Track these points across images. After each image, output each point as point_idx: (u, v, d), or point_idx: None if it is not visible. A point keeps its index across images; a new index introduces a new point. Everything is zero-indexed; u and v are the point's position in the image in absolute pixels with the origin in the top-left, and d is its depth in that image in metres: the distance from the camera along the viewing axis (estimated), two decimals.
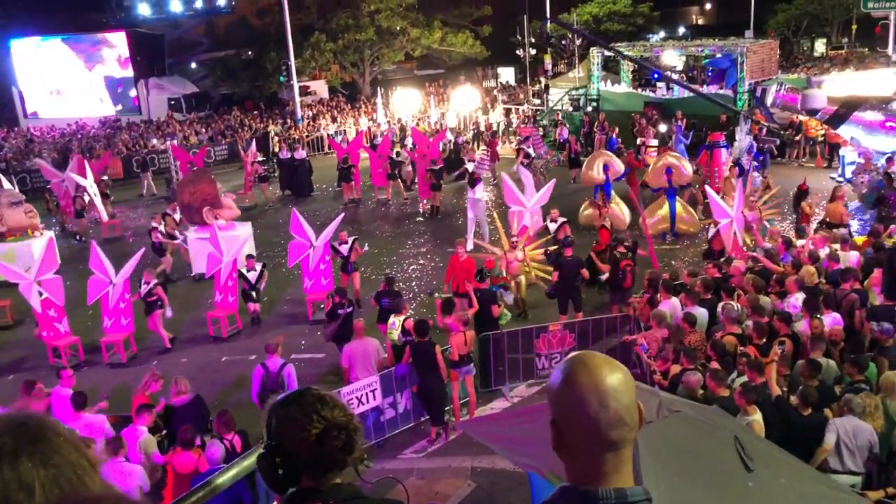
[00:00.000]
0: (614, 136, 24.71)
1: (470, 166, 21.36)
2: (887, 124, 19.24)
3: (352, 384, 10.20)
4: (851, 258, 11.52)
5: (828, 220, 15.25)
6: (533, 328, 11.75)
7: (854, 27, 49.84)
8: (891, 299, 8.97)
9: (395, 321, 11.30)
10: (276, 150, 28.97)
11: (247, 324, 14.68)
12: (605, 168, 17.72)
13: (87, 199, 21.82)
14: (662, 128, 24.84)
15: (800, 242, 12.65)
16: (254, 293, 14.58)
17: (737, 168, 18.96)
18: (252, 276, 14.53)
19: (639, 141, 23.84)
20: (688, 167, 17.99)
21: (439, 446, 10.38)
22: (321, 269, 14.46)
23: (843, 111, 19.36)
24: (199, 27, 49.48)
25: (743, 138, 20.70)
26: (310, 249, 14.36)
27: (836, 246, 12.07)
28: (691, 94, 26.78)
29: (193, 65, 49.26)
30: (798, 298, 10.07)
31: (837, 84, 24.22)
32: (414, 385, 10.66)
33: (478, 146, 29.06)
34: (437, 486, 8.95)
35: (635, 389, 1.78)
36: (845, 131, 19.75)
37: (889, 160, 17.98)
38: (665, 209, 17.38)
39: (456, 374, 10.56)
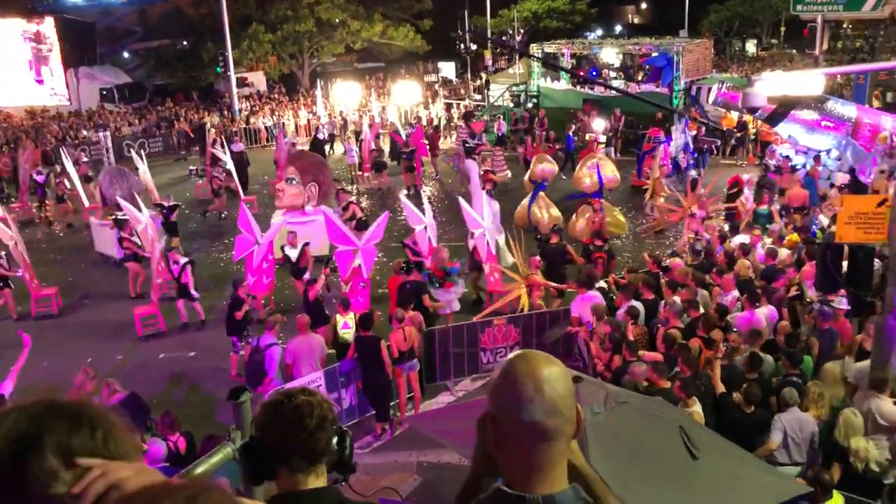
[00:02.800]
0: (570, 133, 24.88)
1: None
2: (823, 123, 19.93)
3: (295, 380, 10.08)
4: (783, 254, 11.92)
5: (794, 205, 15.71)
6: (477, 323, 11.79)
7: (783, 29, 51.52)
8: (823, 292, 9.30)
9: (347, 321, 11.20)
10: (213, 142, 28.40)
11: (188, 322, 14.37)
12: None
13: (68, 184, 21.33)
14: (601, 125, 25.21)
15: (737, 239, 12.99)
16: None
17: (668, 167, 19.41)
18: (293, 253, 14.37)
19: (588, 136, 24.17)
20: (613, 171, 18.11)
21: (385, 441, 10.35)
22: (264, 268, 14.21)
23: (782, 110, 19.96)
24: (132, 15, 48.03)
25: (679, 136, 21.15)
26: (254, 246, 14.10)
27: (769, 241, 12.48)
28: (633, 92, 27.33)
29: (126, 54, 47.85)
30: (734, 294, 10.41)
31: (772, 83, 24.91)
32: (359, 380, 10.60)
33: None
34: (383, 480, 8.92)
35: (572, 386, 1.81)
36: (784, 129, 20.36)
37: (816, 159, 18.65)
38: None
39: (399, 370, 10.55)
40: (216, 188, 21.53)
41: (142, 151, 24.84)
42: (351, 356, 10.52)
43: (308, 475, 2.16)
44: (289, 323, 11.61)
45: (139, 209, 15.46)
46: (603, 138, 24.00)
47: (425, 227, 13.76)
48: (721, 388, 8.06)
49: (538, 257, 13.26)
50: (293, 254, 14.33)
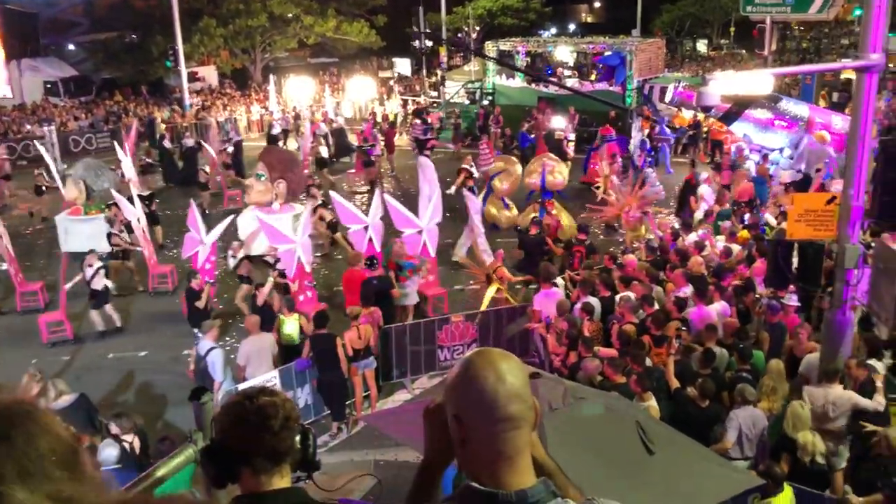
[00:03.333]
0: (524, 130, 24.93)
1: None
2: (776, 122, 20.34)
3: (248, 381, 9.91)
4: (736, 250, 12.13)
5: (742, 199, 16.00)
6: (435, 320, 11.77)
7: (733, 29, 52.56)
8: (774, 288, 9.49)
9: (292, 322, 11.06)
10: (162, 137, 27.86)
11: (136, 317, 14.05)
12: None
13: (46, 177, 20.74)
14: (561, 122, 25.35)
15: (692, 237, 13.17)
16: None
17: (618, 164, 19.62)
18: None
19: (557, 135, 24.33)
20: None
21: (341, 440, 10.26)
22: (206, 269, 13.92)
23: (737, 108, 20.32)
24: (78, 7, 46.79)
25: (636, 135, 21.41)
26: (199, 246, 13.84)
27: (721, 238, 12.70)
28: (586, 90, 27.58)
29: (72, 46, 46.60)
30: (687, 291, 10.55)
31: (725, 83, 25.35)
32: (314, 379, 10.49)
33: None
34: (339, 480, 8.82)
35: (528, 377, 1.85)
36: (738, 128, 20.72)
37: (764, 157, 19.03)
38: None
39: (355, 369, 10.46)
40: (203, 182, 21.43)
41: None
42: (306, 355, 10.40)
43: (272, 476, 2.11)
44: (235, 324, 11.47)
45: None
46: (572, 136, 23.92)
47: (365, 228, 13.50)
48: (675, 384, 8.16)
49: (517, 249, 13.45)
50: (231, 263, 14.17)
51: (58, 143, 26.45)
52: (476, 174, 17.92)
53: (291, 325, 11.03)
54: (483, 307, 12.46)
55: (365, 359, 10.50)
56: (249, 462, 2.08)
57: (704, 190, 16.32)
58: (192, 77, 38.98)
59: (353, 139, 26.81)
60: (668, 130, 21.19)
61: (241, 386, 9.02)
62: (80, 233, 16.84)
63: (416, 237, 13.54)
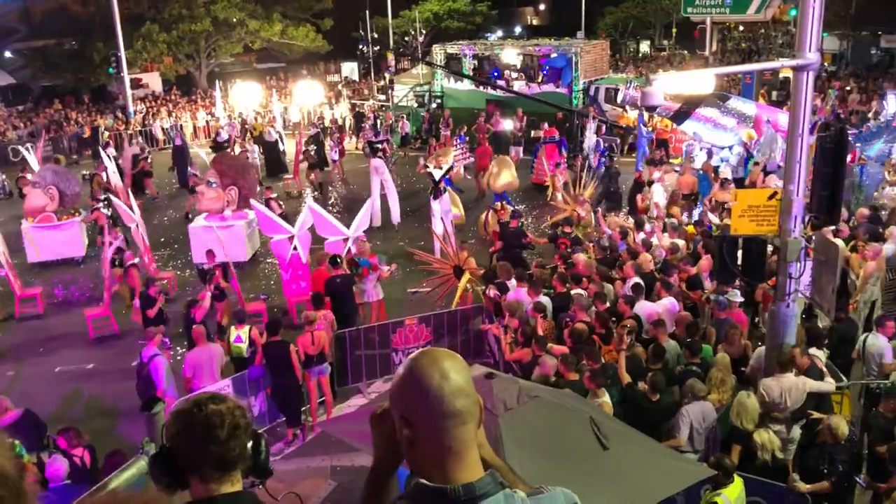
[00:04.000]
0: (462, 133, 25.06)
1: (436, 173, 16.64)
2: (722, 121, 20.75)
3: (195, 392, 9.75)
4: (679, 245, 12.37)
5: (683, 192, 16.30)
6: (389, 323, 11.75)
7: (675, 30, 53.58)
8: (721, 283, 9.70)
9: (241, 334, 10.87)
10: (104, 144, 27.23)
11: (83, 332, 13.74)
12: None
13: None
14: (508, 125, 25.51)
15: (642, 235, 13.38)
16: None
17: (564, 165, 19.87)
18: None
19: (533, 133, 24.52)
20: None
21: (297, 447, 10.17)
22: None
23: (686, 108, 20.67)
24: (13, 13, 45.47)
25: (591, 136, 21.71)
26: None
27: (666, 235, 12.94)
28: (533, 93, 27.86)
29: (8, 54, 45.30)
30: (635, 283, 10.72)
31: (668, 82, 25.85)
32: (268, 387, 10.38)
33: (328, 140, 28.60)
34: (297, 487, 8.75)
35: (470, 374, 1.89)
36: (689, 127, 21.09)
37: (709, 154, 19.43)
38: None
39: (309, 374, 10.39)
40: (192, 185, 20.96)
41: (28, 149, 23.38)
42: (259, 362, 10.29)
43: (222, 483, 2.11)
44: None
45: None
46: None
47: (290, 237, 13.59)
48: (627, 379, 8.29)
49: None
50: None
51: None
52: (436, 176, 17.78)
53: (240, 338, 10.85)
54: (456, 299, 12.65)
55: (319, 365, 10.44)
56: (198, 470, 2.08)
57: (656, 189, 16.60)
58: (136, 84, 38.24)
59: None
60: (644, 130, 21.39)
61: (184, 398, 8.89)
62: (53, 239, 16.62)
63: (340, 244, 13.78)
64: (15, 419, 8.39)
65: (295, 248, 13.65)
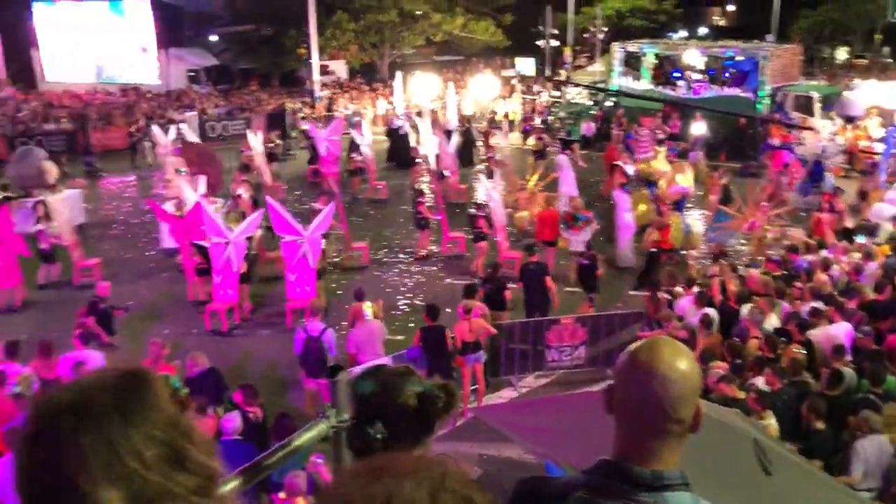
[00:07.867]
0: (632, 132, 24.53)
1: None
2: None
3: (360, 365, 10.21)
4: (871, 268, 11.47)
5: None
6: (544, 320, 11.77)
7: (878, 36, 49.48)
8: None
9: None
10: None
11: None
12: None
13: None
14: (701, 128, 24.55)
15: (823, 252, 12.54)
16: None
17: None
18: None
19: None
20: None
21: (447, 431, 10.40)
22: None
23: None
24: (219, 1, 49.31)
25: (816, 143, 20.78)
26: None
27: (858, 255, 12.04)
28: (711, 95, 26.74)
29: (213, 37, 49.14)
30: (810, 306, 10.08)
31: (870, 93, 24.26)
32: (424, 369, 10.69)
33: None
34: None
35: (697, 382, 1.79)
36: None
37: None
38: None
39: (464, 361, 10.60)
40: (353, 169, 22.75)
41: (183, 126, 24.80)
42: (417, 344, 10.63)
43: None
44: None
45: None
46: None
47: (227, 243, 13.18)
48: None
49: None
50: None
51: (198, 129, 28.13)
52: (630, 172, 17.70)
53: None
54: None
55: (474, 352, 10.63)
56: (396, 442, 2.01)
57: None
58: (323, 70, 40.30)
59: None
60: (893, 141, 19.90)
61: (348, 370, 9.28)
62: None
63: (295, 245, 13.06)
64: (201, 372, 9.14)
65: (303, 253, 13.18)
